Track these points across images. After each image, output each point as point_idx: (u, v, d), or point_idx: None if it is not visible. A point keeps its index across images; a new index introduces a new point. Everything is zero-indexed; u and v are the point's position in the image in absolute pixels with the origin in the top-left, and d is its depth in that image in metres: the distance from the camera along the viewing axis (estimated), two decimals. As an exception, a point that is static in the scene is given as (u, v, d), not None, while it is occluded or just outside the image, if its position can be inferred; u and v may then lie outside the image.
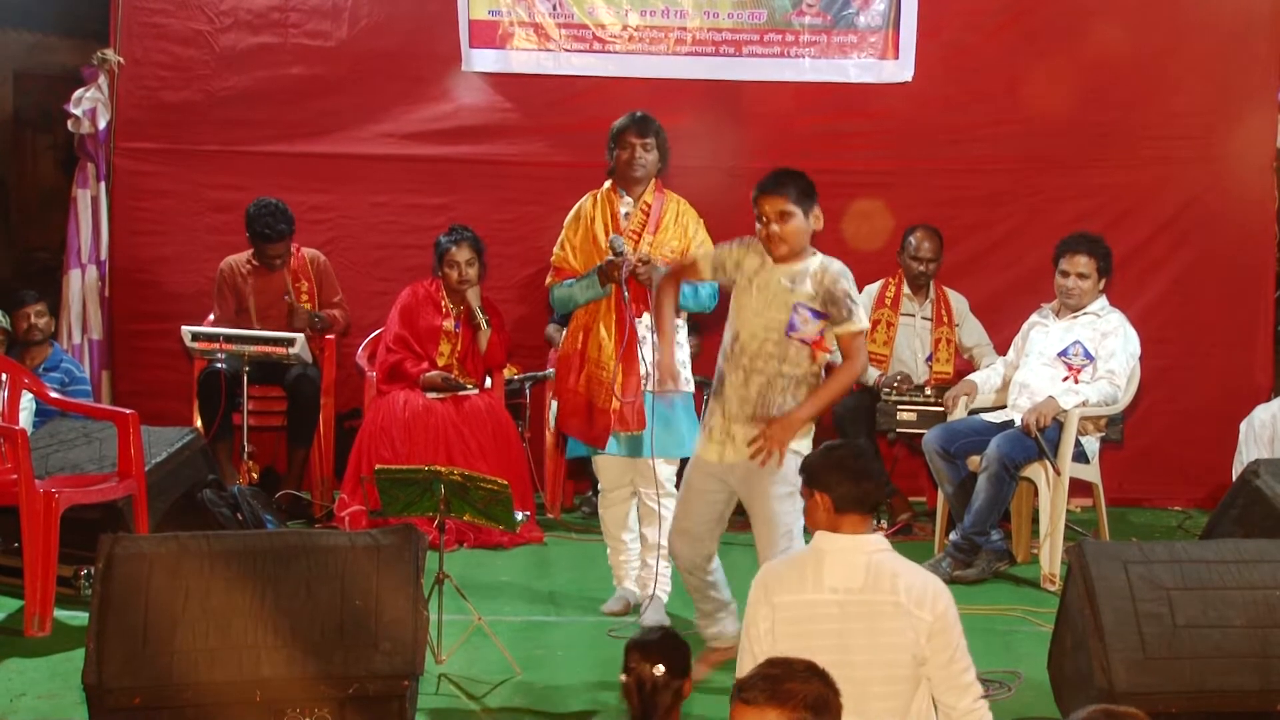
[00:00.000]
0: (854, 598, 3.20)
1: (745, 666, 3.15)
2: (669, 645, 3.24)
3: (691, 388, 4.99)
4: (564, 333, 5.18)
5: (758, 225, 4.11)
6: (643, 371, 4.80)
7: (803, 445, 4.10)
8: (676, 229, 4.96)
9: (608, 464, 5.04)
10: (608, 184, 5.05)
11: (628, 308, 4.78)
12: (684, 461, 4.77)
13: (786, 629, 3.15)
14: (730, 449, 4.13)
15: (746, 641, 3.28)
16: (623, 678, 3.19)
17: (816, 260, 4.12)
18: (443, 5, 7.05)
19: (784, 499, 4.05)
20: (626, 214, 4.97)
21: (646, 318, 4.74)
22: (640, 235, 4.92)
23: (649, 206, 4.97)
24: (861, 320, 4.10)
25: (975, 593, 5.42)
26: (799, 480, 4.02)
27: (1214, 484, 6.39)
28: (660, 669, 3.17)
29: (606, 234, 4.92)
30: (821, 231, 4.19)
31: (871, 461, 3.41)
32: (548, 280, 5.11)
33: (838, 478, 3.33)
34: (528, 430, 6.72)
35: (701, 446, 4.25)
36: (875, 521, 3.68)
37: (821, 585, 3.21)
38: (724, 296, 4.57)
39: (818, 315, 4.05)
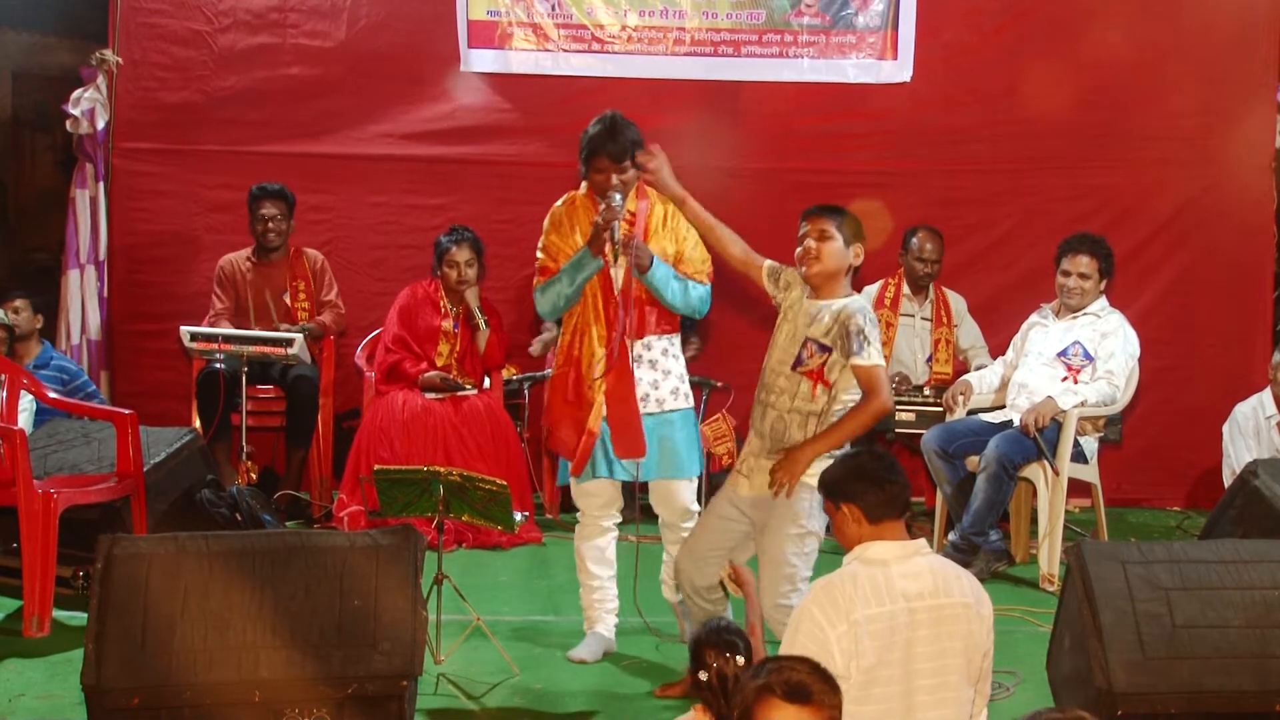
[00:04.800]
0: (924, 603, 3.12)
1: None
2: (738, 633, 3.24)
3: (690, 403, 4.66)
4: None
5: (798, 246, 4.13)
6: (640, 394, 4.49)
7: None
8: (667, 233, 4.57)
9: (595, 489, 4.61)
10: (585, 187, 4.62)
11: (622, 313, 4.45)
12: (700, 480, 4.69)
13: (870, 644, 3.04)
14: (757, 479, 4.10)
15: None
16: (701, 676, 3.17)
17: (842, 300, 4.11)
18: (441, 6, 7.05)
19: (794, 538, 4.00)
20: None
21: (646, 340, 4.53)
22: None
23: (633, 216, 4.54)
24: (875, 357, 4.00)
25: (974, 593, 5.40)
26: (812, 521, 4.02)
27: (1212, 484, 6.39)
28: (740, 660, 3.18)
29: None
30: (859, 273, 4.18)
31: (894, 464, 3.32)
32: (534, 284, 4.64)
33: (863, 486, 3.25)
34: (526, 430, 6.72)
35: (732, 479, 4.24)
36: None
37: (895, 595, 3.11)
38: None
39: (823, 349, 4.04)
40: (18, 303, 6.35)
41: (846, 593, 3.10)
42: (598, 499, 4.64)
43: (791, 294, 4.19)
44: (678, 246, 4.57)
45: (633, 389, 4.46)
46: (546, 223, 4.64)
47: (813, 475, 3.98)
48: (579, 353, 4.53)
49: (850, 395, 4.06)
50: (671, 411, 4.56)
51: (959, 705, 3.14)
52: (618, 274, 4.49)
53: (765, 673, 2.69)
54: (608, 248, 4.39)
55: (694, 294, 4.56)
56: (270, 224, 6.59)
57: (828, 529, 4.07)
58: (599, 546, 4.68)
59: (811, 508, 4.02)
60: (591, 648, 4.64)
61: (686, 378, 4.67)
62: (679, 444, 4.55)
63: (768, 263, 4.27)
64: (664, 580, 4.79)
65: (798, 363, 4.09)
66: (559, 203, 4.67)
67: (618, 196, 4.41)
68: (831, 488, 3.33)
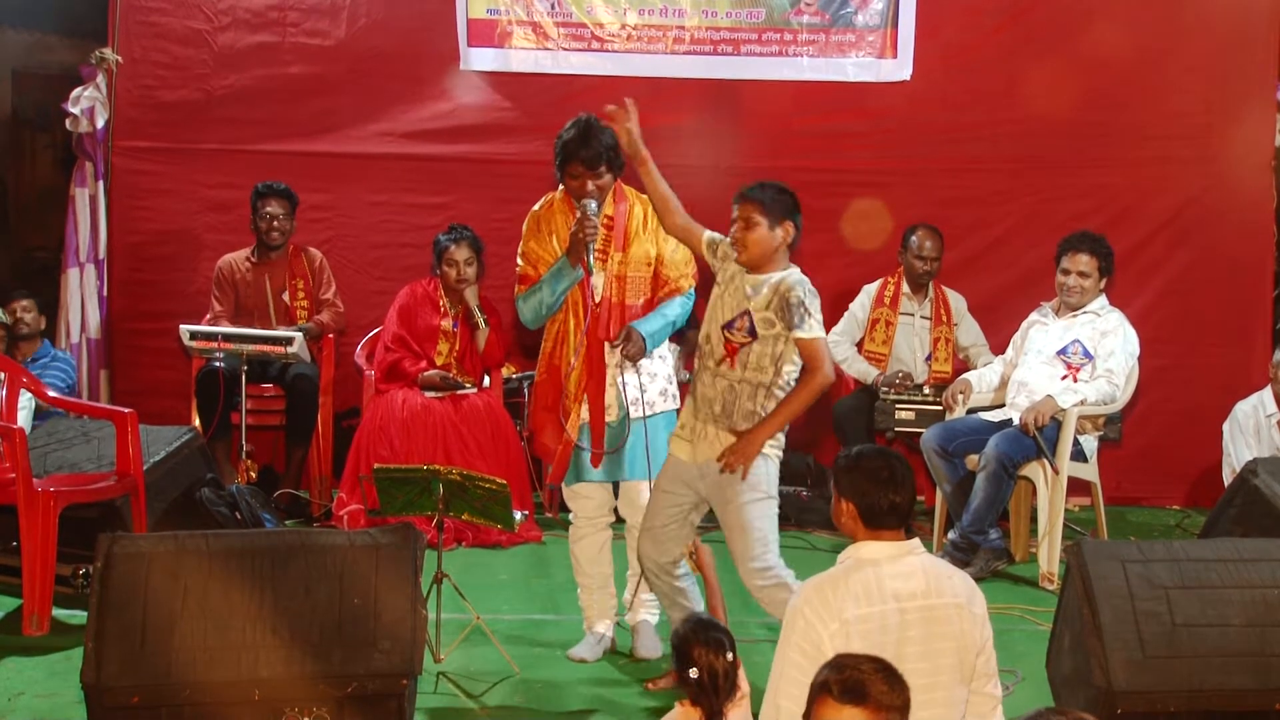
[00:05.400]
0: (915, 604, 3.12)
1: (792, 688, 3.03)
2: (721, 629, 3.23)
3: (677, 404, 4.57)
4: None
5: (730, 228, 4.15)
6: (630, 398, 4.43)
7: (773, 450, 4.07)
8: (648, 235, 4.49)
9: (587, 491, 4.59)
10: (562, 189, 4.53)
11: (596, 317, 4.38)
12: None
13: (860, 644, 3.01)
14: (702, 446, 4.10)
15: (803, 663, 3.04)
16: (692, 674, 3.17)
17: (781, 274, 4.10)
18: (441, 4, 7.05)
19: (755, 504, 4.01)
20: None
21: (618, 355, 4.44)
22: (607, 254, 4.44)
23: (611, 220, 4.47)
24: (816, 328, 4.02)
25: (973, 592, 5.40)
26: (771, 486, 4.05)
27: (1212, 483, 6.39)
28: (729, 655, 3.17)
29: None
30: (796, 246, 4.16)
31: (904, 476, 3.24)
32: (515, 292, 4.57)
33: (865, 488, 3.21)
34: (526, 429, 6.71)
35: (674, 444, 4.22)
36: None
37: (885, 595, 3.10)
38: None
39: (751, 332, 4.06)
40: (25, 303, 6.39)
41: (838, 592, 3.10)
42: (590, 502, 4.61)
43: (729, 265, 4.18)
44: (658, 249, 4.51)
45: (603, 396, 4.42)
46: (525, 228, 4.57)
47: (770, 446, 4.05)
48: (559, 360, 4.49)
49: (794, 366, 4.07)
50: (660, 414, 4.53)
51: (951, 705, 3.13)
52: (598, 283, 4.44)
53: (827, 670, 2.67)
54: (588, 258, 4.34)
55: (681, 320, 4.56)
56: (274, 223, 6.59)
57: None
58: (594, 548, 4.65)
59: (768, 474, 4.05)
60: (591, 647, 4.64)
61: (674, 378, 4.64)
62: (657, 447, 4.45)
63: (707, 234, 4.27)
64: (625, 600, 4.73)
65: (729, 325, 4.09)
66: (537, 206, 4.60)
67: (593, 204, 4.35)
68: (837, 477, 3.32)
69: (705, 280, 4.57)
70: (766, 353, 4.05)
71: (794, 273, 4.11)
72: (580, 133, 4.42)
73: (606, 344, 4.43)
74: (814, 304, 4.04)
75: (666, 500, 4.19)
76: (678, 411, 4.60)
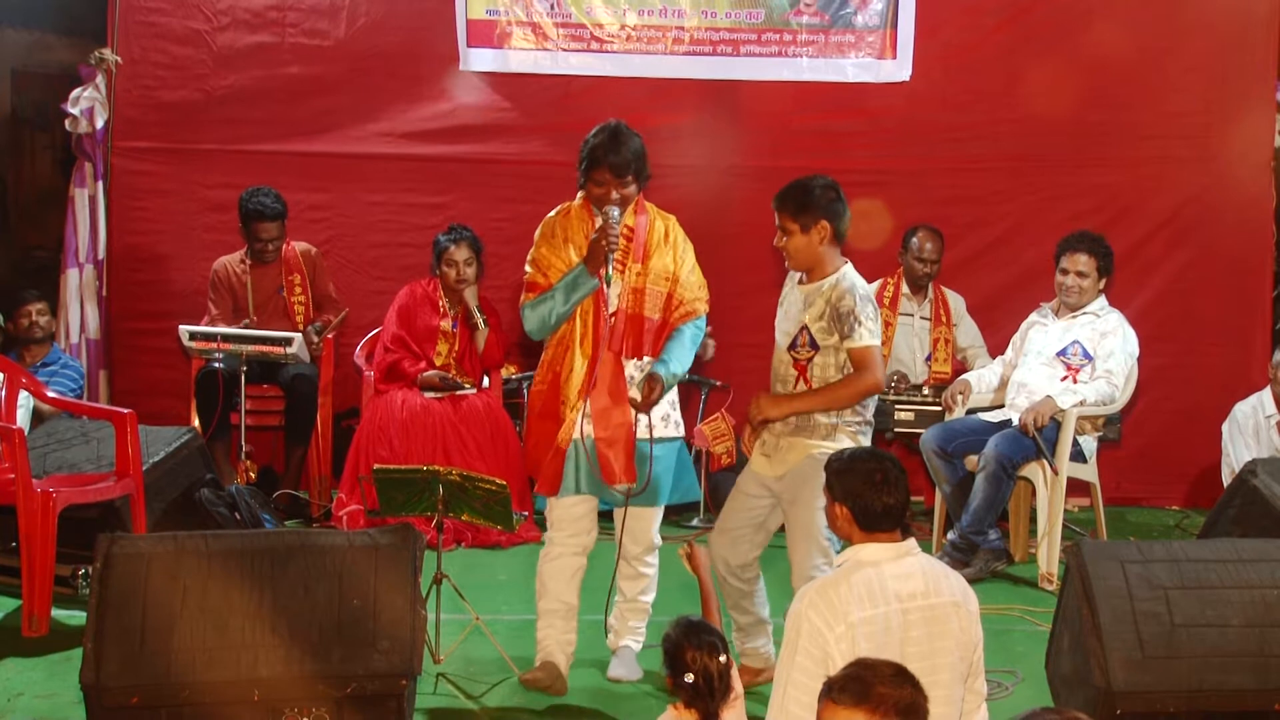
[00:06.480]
0: (916, 604, 3.13)
1: (800, 694, 3.03)
2: (713, 632, 3.24)
3: (680, 432, 4.44)
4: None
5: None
6: (632, 416, 4.25)
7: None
8: (667, 249, 4.33)
9: (567, 504, 4.32)
10: (581, 197, 4.38)
11: (606, 319, 4.24)
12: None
13: (865, 645, 3.02)
14: (780, 456, 4.17)
15: (810, 666, 3.04)
16: (688, 679, 3.16)
17: (832, 279, 4.15)
18: (440, 4, 7.05)
19: (823, 511, 3.97)
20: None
21: (641, 362, 4.31)
22: (625, 265, 4.28)
23: (631, 231, 4.30)
24: (867, 337, 4.06)
25: (973, 592, 5.39)
26: None
27: (1211, 483, 6.39)
28: (724, 658, 3.17)
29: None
30: (844, 238, 4.22)
31: (898, 479, 3.22)
32: (522, 299, 4.36)
33: (859, 490, 3.21)
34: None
35: (754, 459, 4.29)
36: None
37: (888, 596, 3.10)
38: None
39: (813, 344, 4.12)
40: (39, 305, 6.43)
41: (842, 595, 3.10)
42: (567, 512, 4.33)
43: (786, 292, 4.27)
44: (675, 268, 4.34)
45: (626, 412, 4.26)
46: (538, 234, 4.40)
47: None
48: (560, 368, 4.31)
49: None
50: (659, 440, 4.34)
51: (950, 704, 3.14)
52: (612, 294, 4.29)
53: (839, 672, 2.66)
54: (607, 268, 4.21)
55: (699, 343, 4.41)
56: (270, 245, 6.58)
57: None
58: (564, 569, 4.35)
59: None
60: (548, 674, 4.29)
61: (678, 404, 4.48)
62: (660, 473, 4.32)
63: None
64: (610, 626, 4.58)
65: (792, 346, 4.16)
66: (552, 213, 4.43)
67: (615, 212, 4.21)
68: (830, 480, 3.32)
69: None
70: (830, 363, 4.12)
71: (846, 277, 4.16)
72: (609, 138, 4.25)
73: (623, 361, 4.27)
74: (865, 309, 4.09)
75: (746, 502, 4.26)
76: (686, 440, 4.54)
